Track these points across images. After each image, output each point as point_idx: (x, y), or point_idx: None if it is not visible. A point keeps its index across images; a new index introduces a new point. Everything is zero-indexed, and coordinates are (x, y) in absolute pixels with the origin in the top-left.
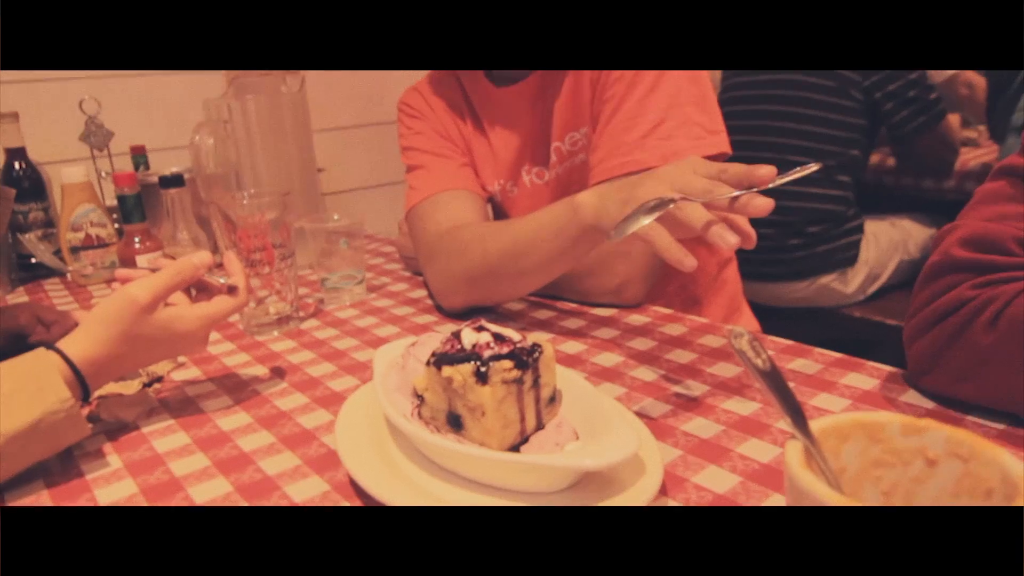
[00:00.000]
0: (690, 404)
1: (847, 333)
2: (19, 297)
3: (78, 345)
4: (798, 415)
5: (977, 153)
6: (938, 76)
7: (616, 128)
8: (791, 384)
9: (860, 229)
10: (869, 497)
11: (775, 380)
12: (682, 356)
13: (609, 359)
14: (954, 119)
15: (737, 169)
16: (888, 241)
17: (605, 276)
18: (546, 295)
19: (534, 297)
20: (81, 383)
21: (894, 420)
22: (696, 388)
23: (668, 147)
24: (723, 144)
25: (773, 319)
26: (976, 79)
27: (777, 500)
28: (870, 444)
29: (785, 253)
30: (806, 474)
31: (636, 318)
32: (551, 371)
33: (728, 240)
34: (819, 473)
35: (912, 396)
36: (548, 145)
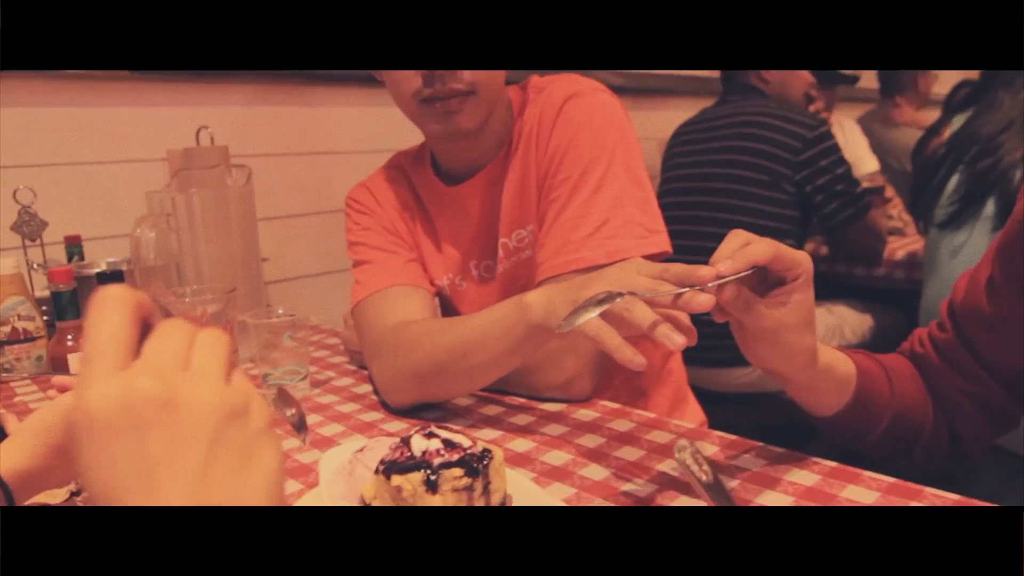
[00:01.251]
0: (639, 503)
1: (792, 417)
2: None
3: (7, 456)
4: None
5: (904, 242)
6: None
7: (562, 227)
8: (735, 481)
9: None
10: None
11: (718, 492)
12: (630, 453)
13: (558, 457)
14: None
15: (679, 269)
16: (825, 327)
17: (553, 371)
18: (494, 390)
19: (482, 392)
20: (7, 495)
21: None
22: (645, 487)
23: (612, 245)
24: (664, 243)
25: (719, 405)
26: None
27: None
28: None
29: (727, 339)
30: None
31: (584, 413)
32: (501, 476)
33: (676, 341)
34: None
35: (852, 492)
36: (496, 240)
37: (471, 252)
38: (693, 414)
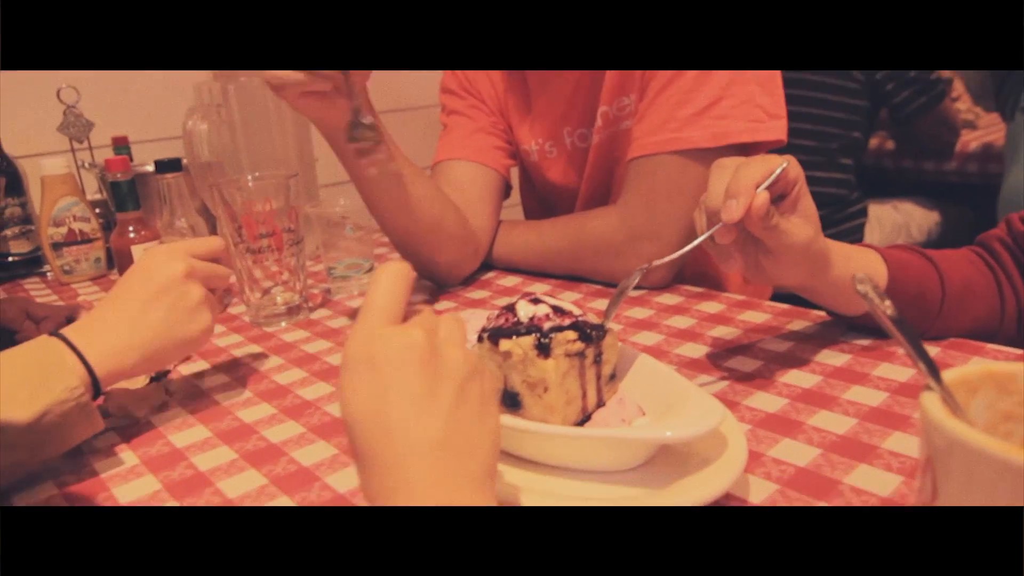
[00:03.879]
0: (746, 378)
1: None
2: None
3: (86, 332)
4: (931, 363)
5: (977, 134)
6: None
7: (669, 100)
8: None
9: (864, 212)
10: None
11: (904, 327)
12: (726, 332)
13: (649, 338)
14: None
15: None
16: (892, 224)
17: (632, 258)
18: (569, 277)
19: (558, 279)
20: (90, 373)
21: None
22: (748, 363)
23: (721, 127)
24: (781, 131)
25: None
26: None
27: (863, 471)
28: (1001, 396)
29: None
30: (957, 423)
31: (668, 297)
32: (614, 349)
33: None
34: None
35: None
36: (595, 107)
37: (567, 118)
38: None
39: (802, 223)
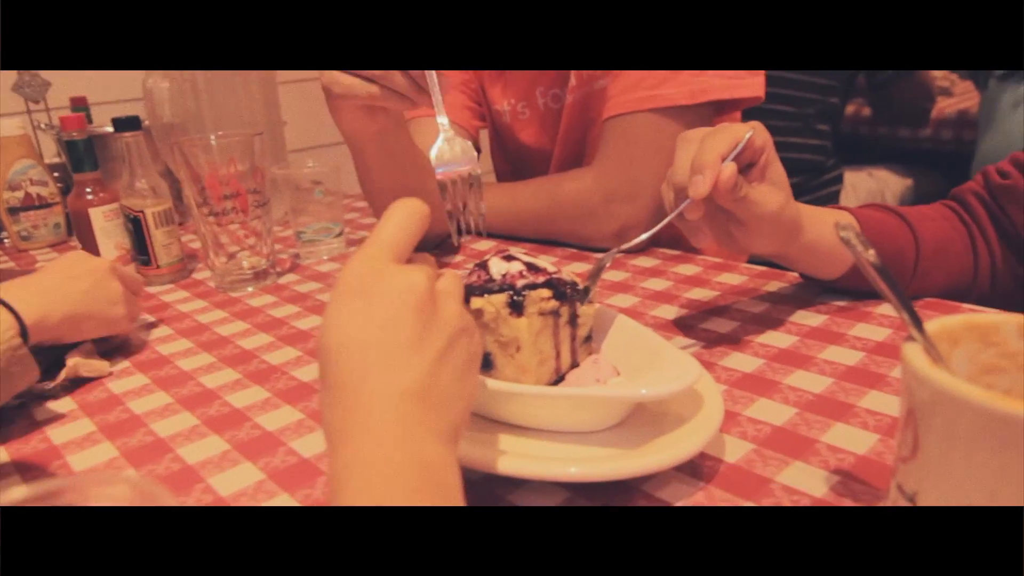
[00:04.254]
0: (723, 339)
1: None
2: None
3: (15, 288)
4: (914, 313)
5: (952, 101)
6: None
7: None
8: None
9: (839, 179)
10: None
11: (886, 275)
12: (702, 294)
13: (625, 300)
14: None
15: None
16: (867, 191)
17: (607, 220)
18: (544, 241)
19: (532, 244)
20: (19, 321)
21: (1011, 320)
22: (724, 324)
23: (698, 84)
24: (758, 87)
25: (764, 266)
26: None
27: (840, 429)
28: (983, 348)
29: None
30: (940, 373)
31: (644, 260)
32: (590, 312)
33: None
34: None
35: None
36: None
37: (540, 77)
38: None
39: (772, 191)
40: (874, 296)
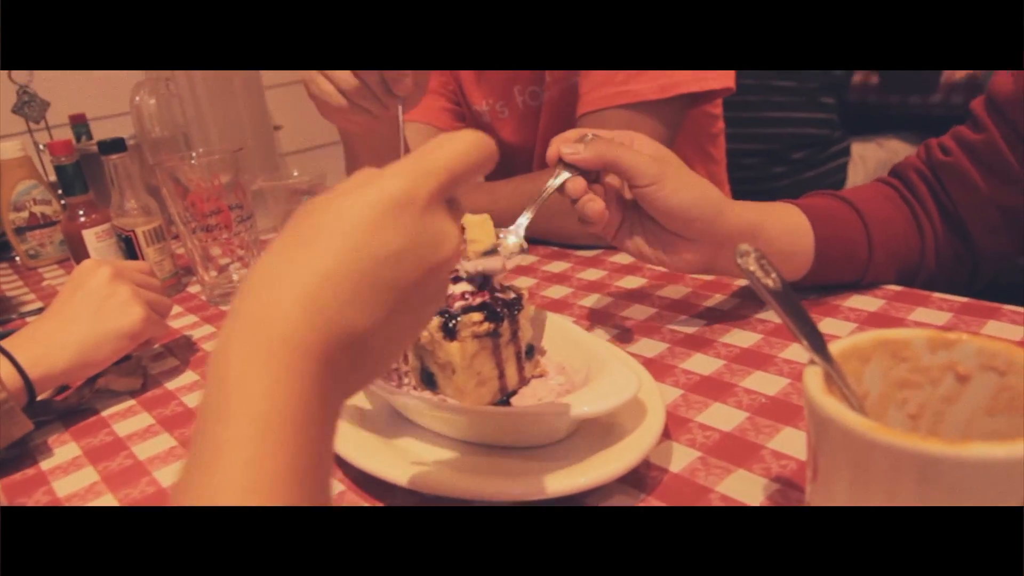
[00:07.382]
0: (687, 340)
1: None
2: None
3: (20, 339)
4: (815, 337)
5: None
6: None
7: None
8: None
9: (846, 152)
10: (894, 421)
11: (788, 300)
12: (675, 292)
13: (597, 301)
14: None
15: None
16: (876, 162)
17: None
18: (529, 239)
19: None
20: (23, 377)
21: (920, 335)
22: (692, 324)
23: (668, 78)
24: (728, 79)
25: None
26: None
27: (788, 434)
28: (894, 364)
29: (770, 182)
30: (829, 400)
31: (623, 258)
32: (527, 321)
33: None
34: (842, 399)
35: (921, 314)
36: None
37: (516, 76)
38: None
39: (673, 208)
40: (844, 288)
